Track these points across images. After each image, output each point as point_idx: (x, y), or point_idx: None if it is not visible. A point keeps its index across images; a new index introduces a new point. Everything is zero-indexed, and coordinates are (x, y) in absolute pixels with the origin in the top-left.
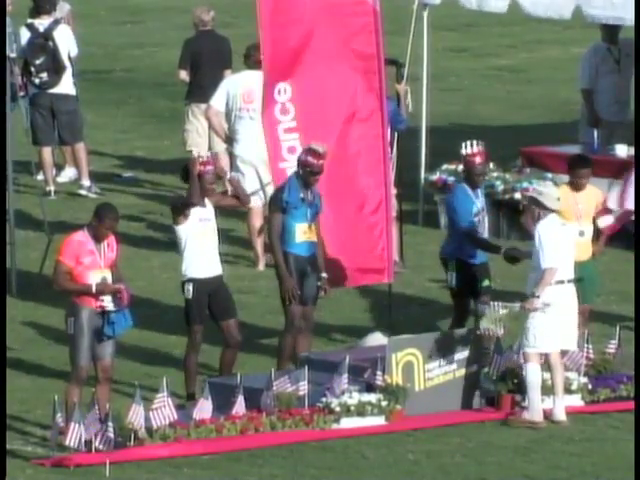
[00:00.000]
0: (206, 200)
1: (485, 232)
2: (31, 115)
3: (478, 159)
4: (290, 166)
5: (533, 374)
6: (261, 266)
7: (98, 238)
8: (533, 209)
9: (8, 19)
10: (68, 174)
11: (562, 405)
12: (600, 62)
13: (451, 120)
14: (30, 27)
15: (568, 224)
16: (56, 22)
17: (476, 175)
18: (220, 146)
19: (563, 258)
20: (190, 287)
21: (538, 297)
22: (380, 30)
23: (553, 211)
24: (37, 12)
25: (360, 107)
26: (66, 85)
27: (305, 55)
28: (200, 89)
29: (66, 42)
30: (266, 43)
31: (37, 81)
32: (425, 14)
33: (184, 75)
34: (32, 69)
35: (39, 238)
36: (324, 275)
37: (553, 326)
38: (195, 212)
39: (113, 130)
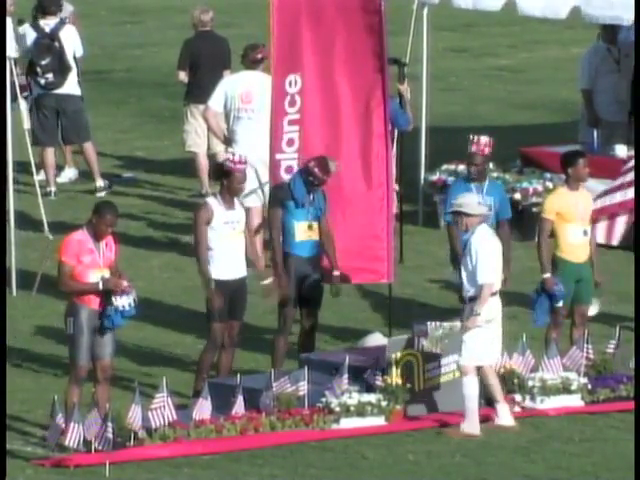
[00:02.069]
0: (235, 202)
1: None
2: (35, 116)
3: (474, 150)
4: (286, 158)
5: (472, 387)
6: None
7: (98, 236)
8: (461, 222)
9: (9, 19)
10: (68, 174)
11: (506, 409)
12: (600, 62)
13: (451, 120)
14: (36, 27)
15: (574, 225)
16: (62, 22)
17: (470, 167)
18: (219, 147)
19: (497, 270)
20: (211, 286)
21: (479, 314)
22: (385, 29)
23: (480, 216)
24: (43, 13)
25: (365, 105)
26: (71, 85)
27: (317, 48)
28: (199, 90)
29: (72, 43)
30: (278, 33)
31: (42, 82)
32: (425, 14)
33: (183, 76)
34: (38, 69)
35: (39, 238)
36: (336, 273)
37: (489, 338)
38: (220, 215)
39: (113, 130)
